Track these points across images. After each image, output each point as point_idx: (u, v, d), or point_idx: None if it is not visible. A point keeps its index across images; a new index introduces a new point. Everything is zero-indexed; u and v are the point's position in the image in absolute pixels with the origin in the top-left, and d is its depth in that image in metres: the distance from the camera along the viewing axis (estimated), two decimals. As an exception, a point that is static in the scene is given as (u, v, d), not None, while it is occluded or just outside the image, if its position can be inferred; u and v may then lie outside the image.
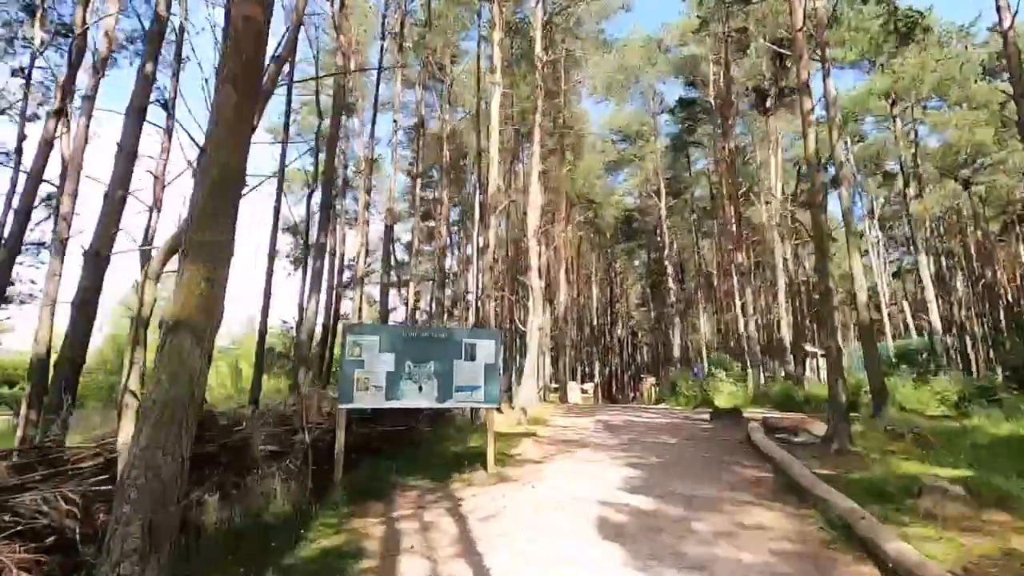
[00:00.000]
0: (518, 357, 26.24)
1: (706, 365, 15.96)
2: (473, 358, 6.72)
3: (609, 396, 42.82)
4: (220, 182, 2.68)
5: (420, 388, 6.41)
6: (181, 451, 2.38)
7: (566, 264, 25.83)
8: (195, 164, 6.04)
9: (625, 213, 39.71)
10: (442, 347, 6.61)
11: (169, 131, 11.45)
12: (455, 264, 29.27)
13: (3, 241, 8.07)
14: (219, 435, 5.34)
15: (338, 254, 19.28)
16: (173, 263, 4.65)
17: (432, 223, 30.56)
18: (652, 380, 26.25)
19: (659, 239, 40.44)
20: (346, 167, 23.06)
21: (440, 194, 21.92)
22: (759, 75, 22.81)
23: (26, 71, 10.58)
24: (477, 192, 14.47)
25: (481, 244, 12.95)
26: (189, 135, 7.71)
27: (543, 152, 18.64)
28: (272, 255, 13.15)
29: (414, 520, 4.83)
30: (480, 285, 12.31)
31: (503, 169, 21.61)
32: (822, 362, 17.11)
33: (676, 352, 24.56)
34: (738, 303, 20.12)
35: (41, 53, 9.60)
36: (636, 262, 56.88)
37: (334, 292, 17.34)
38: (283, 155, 13.87)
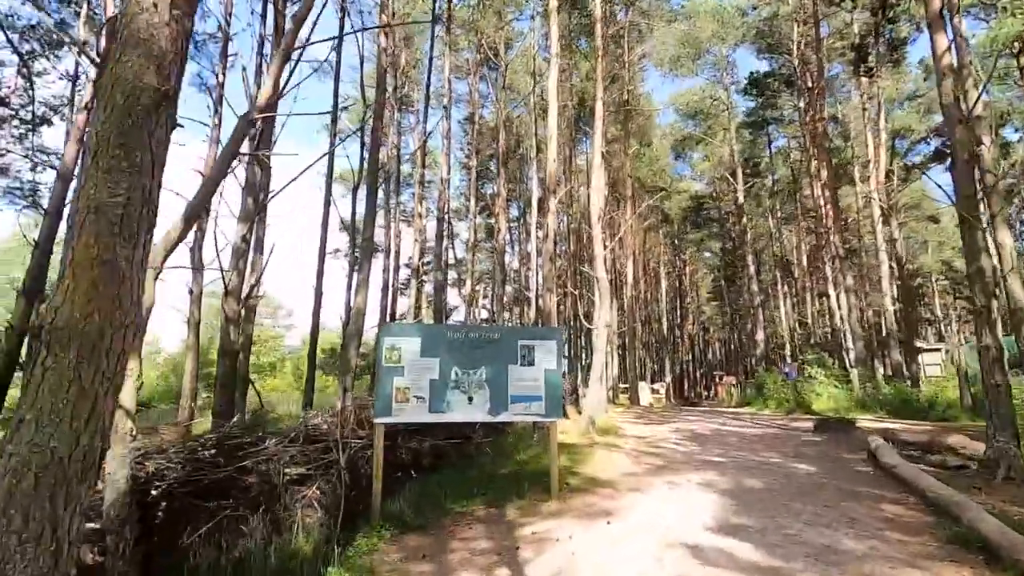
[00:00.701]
0: (584, 356, 24.98)
1: (797, 363, 14.11)
2: (531, 363, 5.71)
3: (681, 396, 40.60)
4: (126, 111, 1.79)
5: (470, 399, 5.48)
6: (52, 536, 1.50)
7: (633, 256, 24.27)
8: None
9: (695, 200, 37.28)
10: (495, 350, 5.65)
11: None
12: (515, 260, 28.41)
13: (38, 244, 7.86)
14: (235, 457, 4.64)
15: (393, 252, 18.86)
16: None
17: (492, 220, 29.89)
18: (731, 380, 24.19)
19: (733, 227, 37.78)
20: (399, 162, 22.76)
21: (498, 186, 21.08)
22: (854, 33, 20.24)
23: (72, 73, 10.72)
24: (535, 181, 13.51)
25: (540, 234, 11.93)
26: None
27: (606, 136, 17.34)
28: (322, 253, 12.74)
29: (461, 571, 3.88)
30: (540, 279, 11.31)
31: (562, 157, 20.43)
32: (927, 358, 14.74)
33: (758, 349, 22.42)
34: (832, 293, 17.90)
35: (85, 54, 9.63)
36: (707, 253, 53.86)
37: (389, 291, 16.87)
38: (331, 148, 13.44)
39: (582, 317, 14.20)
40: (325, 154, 9.85)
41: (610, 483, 6.15)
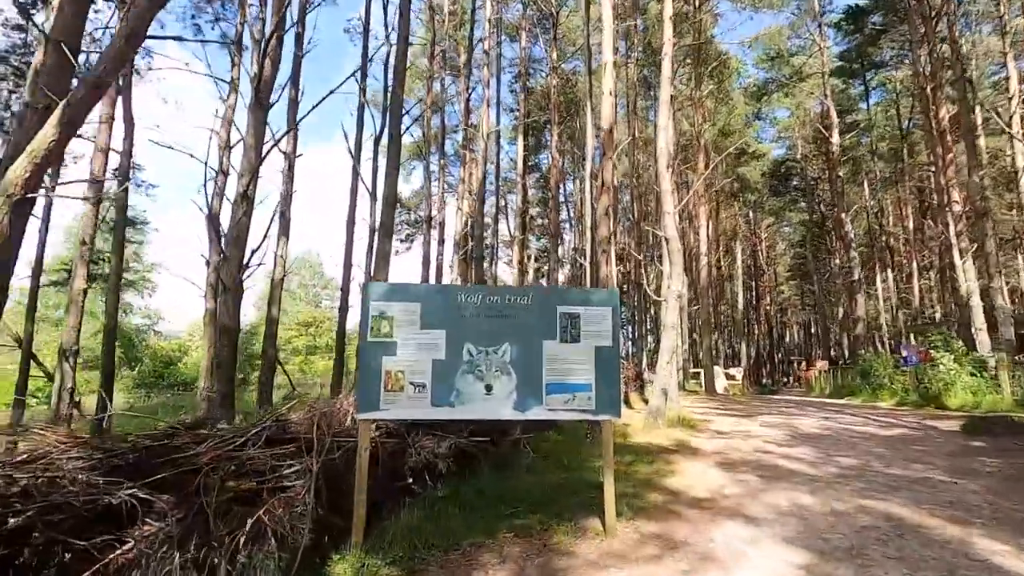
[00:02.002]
0: (648, 337, 22.91)
1: (918, 346, 11.57)
2: (576, 337, 4.11)
3: (757, 383, 37.52)
4: None
5: (488, 388, 3.96)
6: None
7: (705, 226, 21.84)
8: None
9: (777, 164, 33.65)
10: (525, 320, 4.09)
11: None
12: (570, 230, 26.56)
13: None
14: (152, 467, 3.36)
15: (437, 224, 17.61)
16: None
17: (546, 192, 28.12)
18: (823, 365, 21.44)
19: (823, 193, 33.89)
20: (444, 134, 21.39)
21: (550, 143, 19.29)
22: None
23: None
24: (590, 134, 11.77)
25: (595, 184, 10.22)
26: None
27: (674, 73, 15.12)
28: (351, 217, 11.57)
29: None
30: (595, 240, 9.61)
31: (626, 111, 18.31)
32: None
33: (857, 329, 19.51)
34: (959, 262, 14.92)
35: None
36: (785, 227, 49.46)
37: (431, 265, 15.64)
38: (363, 63, 12.14)
39: (647, 288, 12.35)
40: (352, 74, 8.52)
41: (695, 507, 4.48)
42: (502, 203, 22.60)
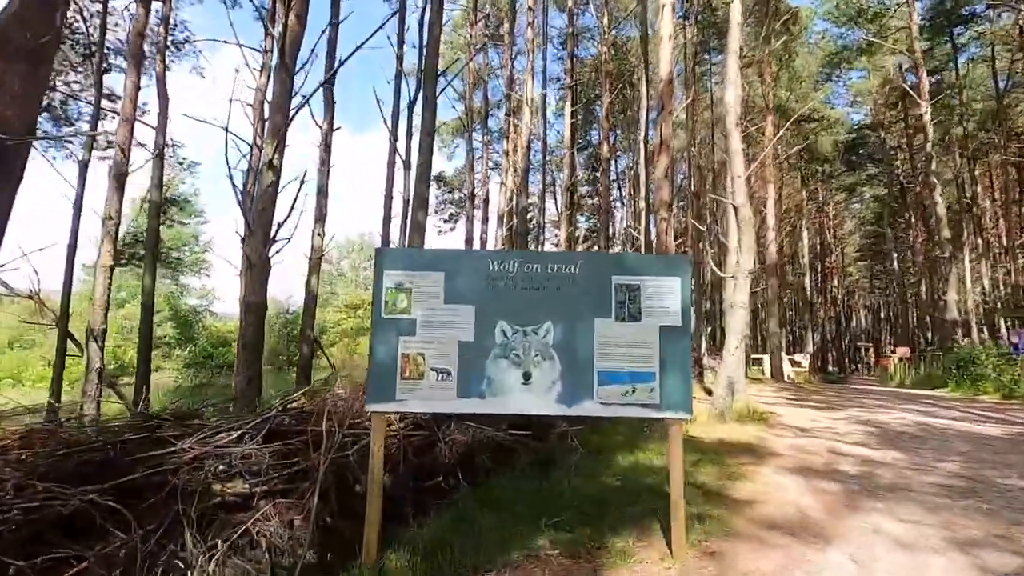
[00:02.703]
0: (708, 319, 21.57)
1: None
2: (635, 315, 3.32)
3: (823, 370, 35.24)
4: None
5: (527, 376, 3.24)
6: None
7: (774, 197, 20.19)
8: None
9: (853, 132, 30.91)
10: (572, 292, 3.33)
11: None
12: (621, 208, 25.39)
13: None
14: (127, 464, 2.84)
15: (480, 200, 16.93)
16: None
17: (595, 168, 26.92)
18: (904, 351, 19.58)
19: (900, 164, 31.05)
20: (487, 109, 20.56)
21: (600, 117, 18.19)
22: None
23: None
24: (644, 95, 10.72)
25: (651, 144, 9.18)
26: None
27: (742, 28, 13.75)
28: (388, 197, 11.04)
29: None
30: (650, 209, 8.53)
31: (683, 79, 16.96)
32: None
33: (948, 314, 17.55)
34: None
35: None
36: (855, 204, 45.99)
37: (474, 244, 15.03)
38: (398, 79, 11.56)
39: (710, 264, 11.22)
40: (382, 24, 7.88)
41: (777, 529, 3.64)
42: (548, 180, 21.65)
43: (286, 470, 3.39)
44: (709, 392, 9.30)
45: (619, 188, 33.32)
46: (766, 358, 20.88)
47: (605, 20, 16.52)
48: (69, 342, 7.81)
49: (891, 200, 31.71)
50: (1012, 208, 27.47)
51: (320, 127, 11.71)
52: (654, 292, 3.35)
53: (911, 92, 20.79)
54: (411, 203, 7.74)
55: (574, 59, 16.73)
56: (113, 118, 11.02)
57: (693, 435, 6.47)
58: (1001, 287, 26.83)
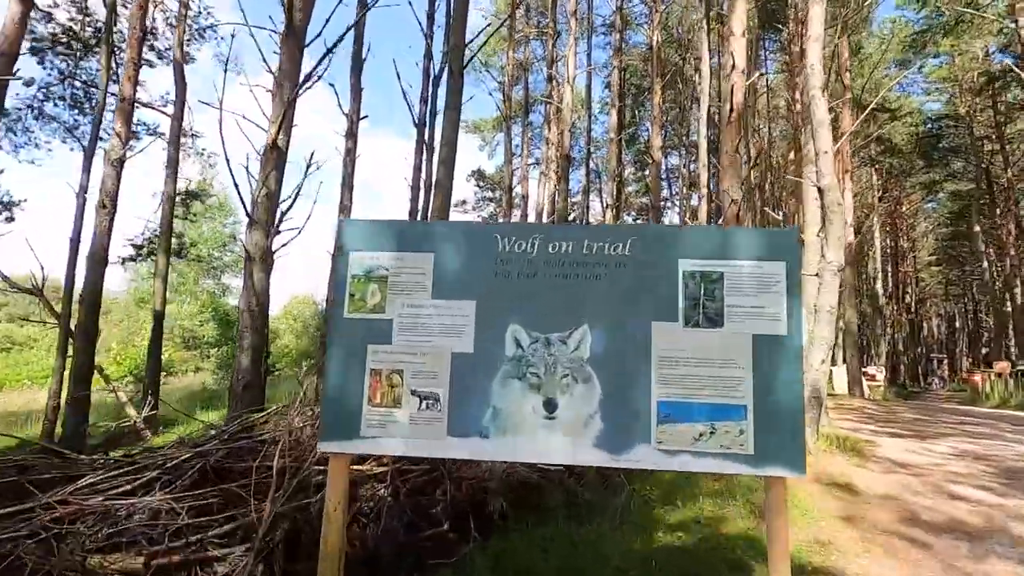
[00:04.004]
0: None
1: None
2: (715, 318, 2.22)
3: (895, 384, 32.32)
4: None
5: (550, 405, 2.20)
6: None
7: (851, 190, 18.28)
8: None
9: (933, 122, 28.18)
10: (618, 282, 2.28)
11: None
12: (672, 209, 23.93)
13: None
14: None
15: (520, 199, 15.98)
16: None
17: (645, 164, 25.52)
18: (1004, 366, 17.31)
19: (991, 156, 28.06)
20: (527, 102, 19.54)
21: (652, 110, 16.91)
22: None
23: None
24: (705, 77, 9.48)
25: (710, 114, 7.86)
26: None
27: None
28: (415, 188, 10.21)
29: None
30: (716, 195, 7.16)
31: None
32: None
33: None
34: None
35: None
36: (929, 204, 42.38)
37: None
38: (427, 59, 10.72)
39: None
40: None
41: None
42: (592, 178, 20.48)
43: (222, 526, 2.47)
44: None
45: (669, 186, 31.64)
46: (835, 370, 18.94)
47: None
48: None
49: (980, 195, 28.70)
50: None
51: (346, 115, 11.03)
52: (745, 284, 2.24)
53: (1015, 67, 18.37)
54: (433, 191, 6.82)
55: (623, 34, 15.53)
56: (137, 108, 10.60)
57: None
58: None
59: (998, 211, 28.39)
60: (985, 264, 29.30)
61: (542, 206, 14.32)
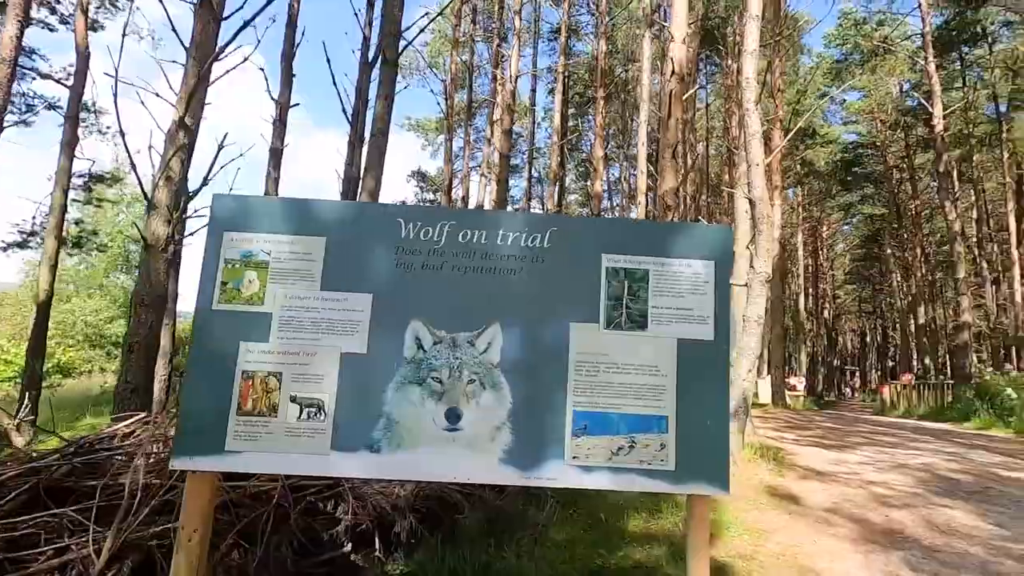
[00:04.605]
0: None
1: None
2: (639, 319, 2.03)
3: (813, 394, 34.29)
4: None
5: (453, 416, 1.93)
6: None
7: (779, 205, 19.11)
8: None
9: (850, 151, 30.20)
10: (535, 277, 2.04)
11: None
12: (616, 214, 24.25)
13: None
14: None
15: (459, 201, 15.69)
16: None
17: (587, 173, 25.82)
18: (908, 378, 18.57)
19: (901, 185, 30.37)
20: (470, 103, 19.33)
21: (594, 121, 17.07)
22: None
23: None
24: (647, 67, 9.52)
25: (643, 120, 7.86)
26: None
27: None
28: (347, 180, 9.69)
29: None
30: (655, 194, 7.14)
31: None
32: None
33: (960, 338, 16.54)
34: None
35: None
36: (846, 227, 45.61)
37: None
38: (364, 47, 10.28)
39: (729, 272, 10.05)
40: None
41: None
42: (535, 184, 20.48)
43: (49, 559, 2.02)
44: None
45: (610, 197, 32.27)
46: (761, 381, 19.74)
47: (603, 5, 15.39)
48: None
49: (889, 222, 31.00)
50: (1015, 231, 26.74)
51: (275, 101, 10.40)
52: (672, 284, 2.06)
53: (922, 100, 19.93)
54: (362, 182, 6.42)
55: (568, 40, 15.59)
56: (32, 79, 9.58)
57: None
58: (1006, 314, 26.05)
59: (906, 236, 30.79)
60: (894, 285, 31.58)
61: (481, 203, 14.13)
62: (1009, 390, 10.60)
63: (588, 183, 25.21)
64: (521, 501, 4.05)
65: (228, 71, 9.63)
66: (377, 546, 3.23)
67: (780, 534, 3.95)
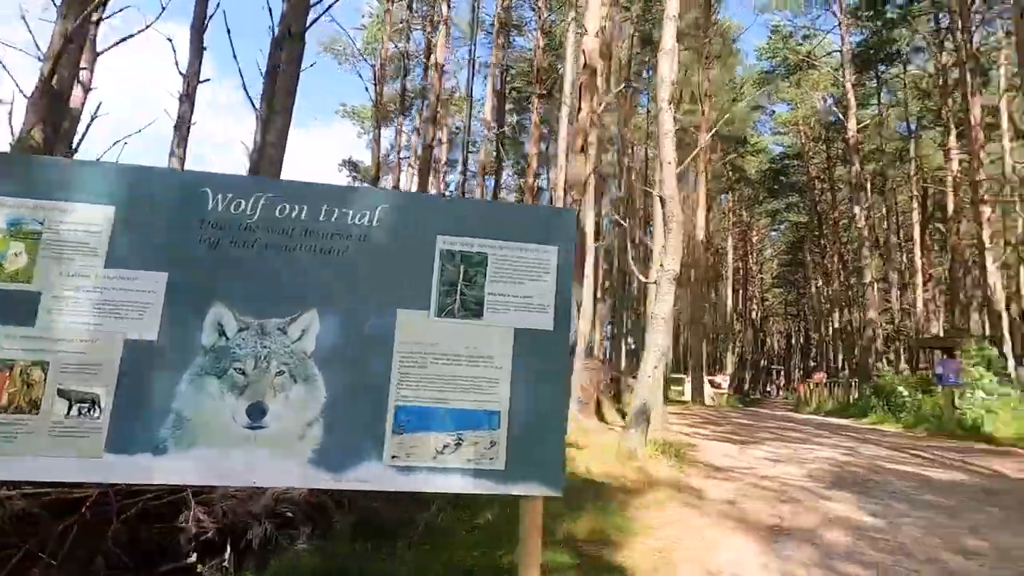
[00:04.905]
0: (630, 338, 20.80)
1: (959, 360, 9.54)
2: (473, 307, 1.88)
3: (740, 392, 35.93)
4: None
5: (255, 411, 1.71)
6: None
7: (704, 207, 19.75)
8: None
9: (777, 162, 31.78)
10: (358, 257, 1.85)
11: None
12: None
13: None
14: None
15: (388, 184, 15.24)
16: None
17: (524, 170, 25.86)
18: (821, 377, 19.65)
19: (820, 194, 32.22)
20: (403, 92, 18.88)
21: (532, 117, 17.04)
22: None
23: None
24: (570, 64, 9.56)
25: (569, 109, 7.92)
26: None
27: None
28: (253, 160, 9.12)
29: None
30: (566, 188, 7.20)
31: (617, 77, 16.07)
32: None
33: (865, 336, 17.69)
34: (990, 263, 13.06)
35: None
36: (773, 232, 48.13)
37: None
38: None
39: (632, 266, 10.11)
40: None
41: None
42: (470, 177, 20.27)
43: None
44: (625, 415, 8.11)
45: (551, 200, 32.47)
46: (687, 379, 20.38)
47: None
48: None
49: (813, 228, 32.83)
50: (921, 241, 28.92)
51: (182, 75, 9.69)
52: (509, 267, 1.92)
53: (840, 115, 21.16)
54: (259, 161, 6.02)
55: (507, 31, 15.47)
56: None
57: (596, 475, 5.16)
58: (909, 318, 28.15)
59: (825, 244, 32.75)
60: (814, 290, 33.48)
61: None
62: (901, 388, 11.36)
63: (523, 180, 25.30)
64: (407, 504, 3.86)
65: (125, 39, 8.89)
66: (228, 555, 2.97)
67: (668, 528, 3.96)
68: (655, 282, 6.29)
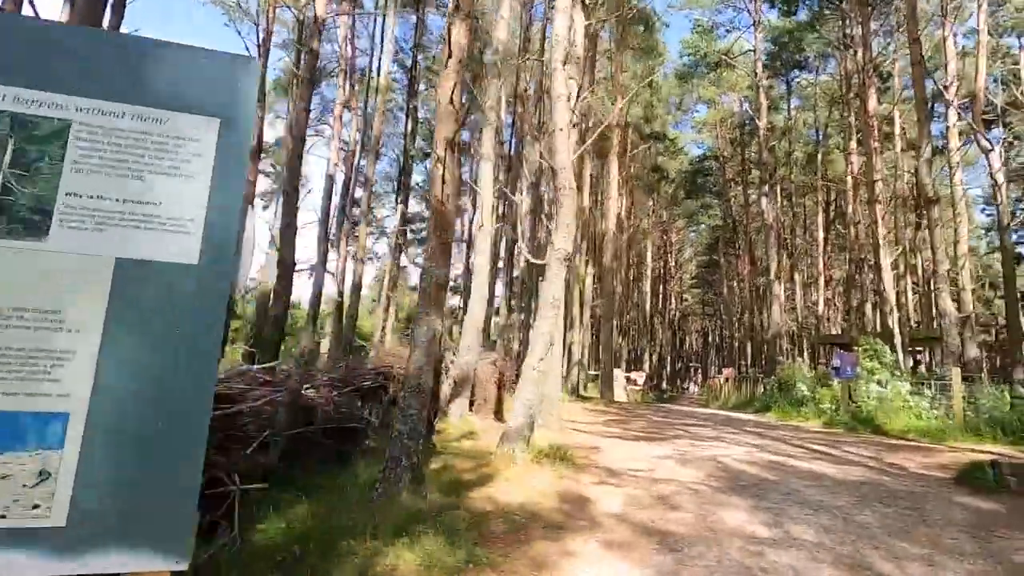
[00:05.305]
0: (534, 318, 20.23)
1: (856, 354, 9.66)
2: (32, 220, 0.99)
3: (657, 388, 36.75)
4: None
5: None
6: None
7: (618, 215, 19.60)
8: None
9: (696, 163, 32.63)
10: None
11: None
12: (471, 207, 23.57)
13: None
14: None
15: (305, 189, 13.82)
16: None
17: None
18: (730, 373, 20.06)
19: (735, 197, 33.39)
20: (298, 65, 17.34)
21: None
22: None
23: None
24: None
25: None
26: None
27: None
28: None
29: None
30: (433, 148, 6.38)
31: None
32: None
33: (769, 333, 18.17)
34: (886, 263, 13.57)
35: None
36: (691, 234, 49.90)
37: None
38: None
39: (523, 247, 9.43)
40: None
41: None
42: (391, 164, 19.09)
43: None
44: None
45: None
46: (602, 375, 20.20)
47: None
48: None
49: (726, 230, 33.99)
50: (825, 244, 30.57)
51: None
52: (118, 149, 1.05)
53: (754, 115, 21.74)
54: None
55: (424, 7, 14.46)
56: None
57: (468, 490, 4.36)
58: (813, 316, 29.70)
59: (739, 246, 34.01)
60: (727, 290, 34.71)
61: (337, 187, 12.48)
62: (800, 384, 11.47)
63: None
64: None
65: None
66: None
67: (539, 544, 3.24)
68: (546, 263, 5.59)
